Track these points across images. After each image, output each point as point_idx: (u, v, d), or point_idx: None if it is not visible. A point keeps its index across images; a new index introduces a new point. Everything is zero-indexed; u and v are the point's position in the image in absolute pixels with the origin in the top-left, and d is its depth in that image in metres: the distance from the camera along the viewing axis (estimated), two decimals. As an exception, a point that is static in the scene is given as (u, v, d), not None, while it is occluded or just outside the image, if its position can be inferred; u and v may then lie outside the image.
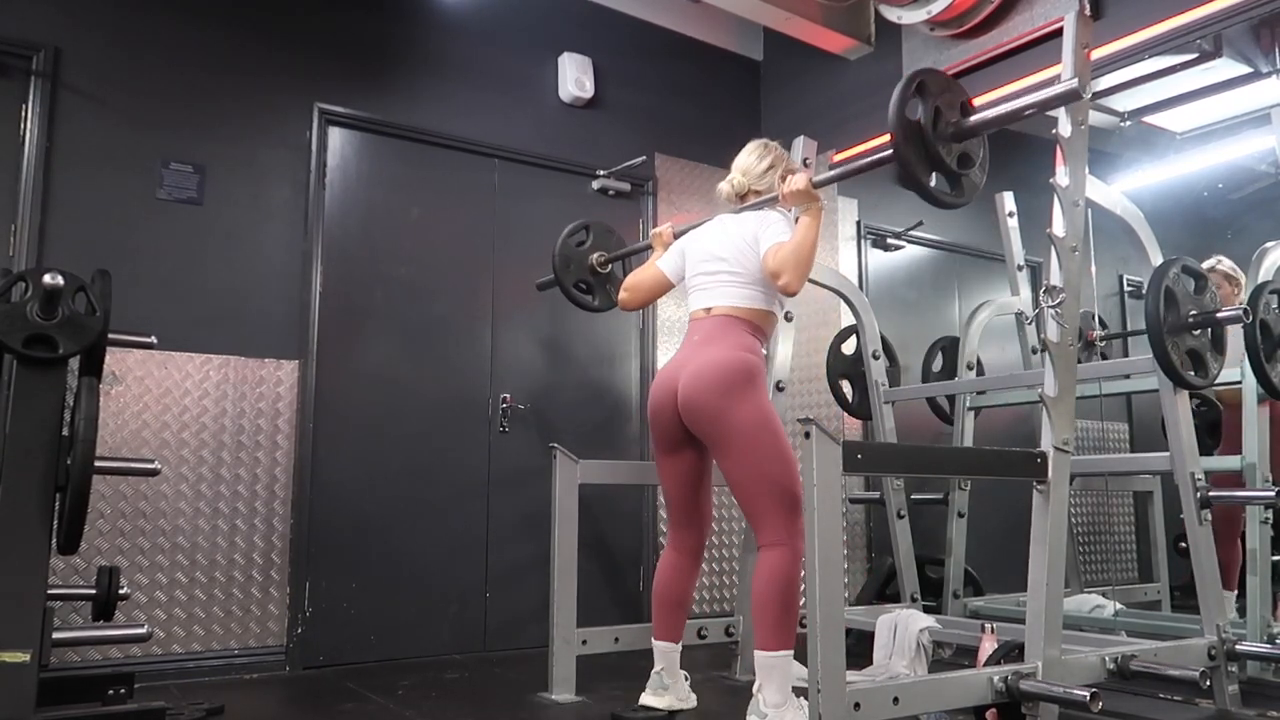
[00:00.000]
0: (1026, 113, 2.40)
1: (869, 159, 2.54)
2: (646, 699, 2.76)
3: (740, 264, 2.72)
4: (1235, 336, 3.01)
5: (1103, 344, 4.33)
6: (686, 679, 2.83)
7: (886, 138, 4.08)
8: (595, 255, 3.50)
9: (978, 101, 3.71)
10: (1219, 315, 2.85)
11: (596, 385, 4.29)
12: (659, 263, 3.00)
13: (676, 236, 3.08)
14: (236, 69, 3.58)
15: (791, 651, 2.48)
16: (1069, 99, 2.37)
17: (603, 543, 4.06)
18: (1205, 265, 3.25)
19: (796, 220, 2.67)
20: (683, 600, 2.83)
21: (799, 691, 2.42)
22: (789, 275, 2.57)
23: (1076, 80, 2.31)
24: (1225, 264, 3.65)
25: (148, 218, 3.36)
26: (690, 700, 2.80)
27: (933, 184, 2.35)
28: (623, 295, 3.06)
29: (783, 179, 2.79)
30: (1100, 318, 4.43)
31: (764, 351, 2.77)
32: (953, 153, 2.36)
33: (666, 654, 2.80)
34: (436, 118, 3.99)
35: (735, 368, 2.60)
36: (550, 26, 4.33)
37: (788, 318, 3.47)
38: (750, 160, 2.88)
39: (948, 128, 2.34)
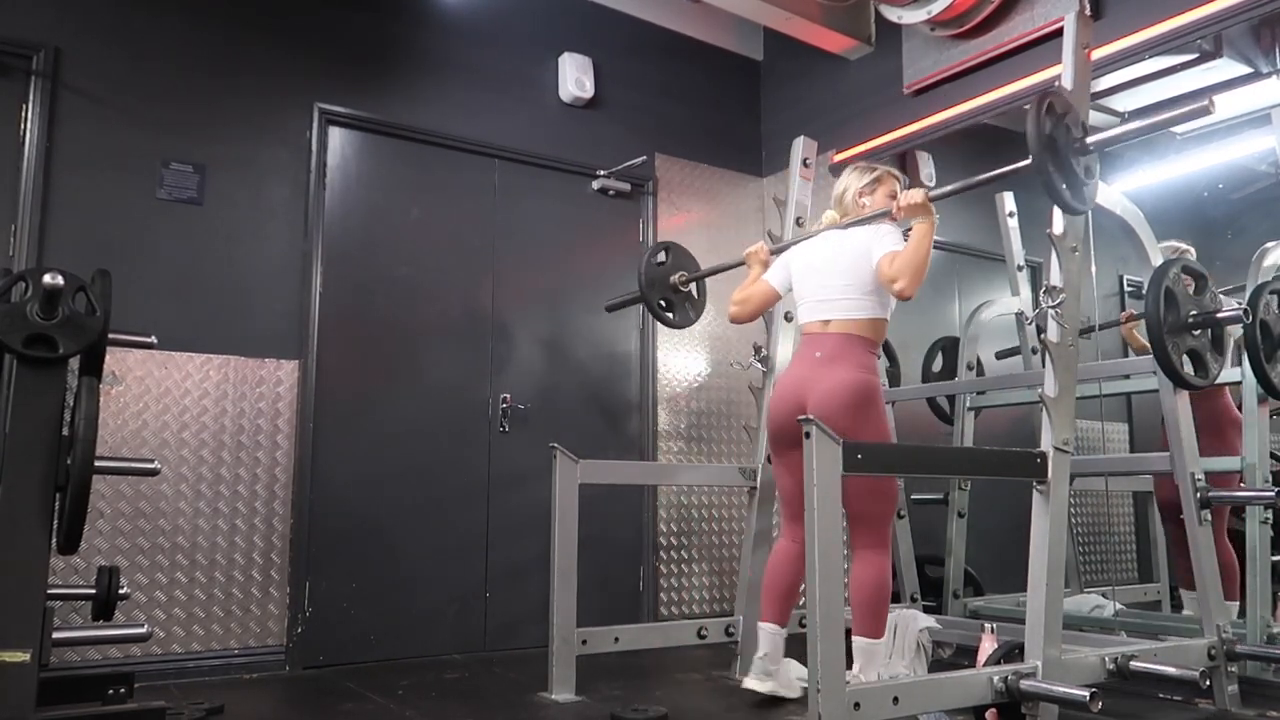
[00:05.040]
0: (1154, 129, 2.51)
1: (997, 172, 2.57)
2: (750, 683, 2.84)
3: (855, 275, 2.82)
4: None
5: None
6: (795, 667, 2.92)
7: (889, 137, 4.15)
8: (676, 275, 3.59)
9: (979, 102, 3.78)
10: (1219, 315, 2.85)
11: (596, 385, 4.29)
12: (766, 276, 3.12)
13: (774, 253, 3.19)
14: (236, 69, 3.58)
15: (884, 640, 2.73)
16: (1199, 114, 2.35)
17: (603, 543, 4.05)
18: (1166, 244, 3.32)
19: (906, 233, 2.79)
20: (793, 588, 2.93)
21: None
22: (905, 281, 2.67)
23: (1208, 99, 2.31)
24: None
25: (148, 218, 3.36)
26: (794, 690, 2.86)
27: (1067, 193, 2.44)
28: (733, 309, 3.15)
29: (890, 196, 2.91)
30: None
31: (879, 364, 2.93)
32: (1080, 165, 2.46)
33: (772, 637, 2.86)
34: (436, 118, 3.99)
35: (862, 391, 2.74)
36: (550, 26, 4.33)
37: (787, 318, 3.47)
38: (852, 177, 3.01)
39: (1074, 143, 2.44)
